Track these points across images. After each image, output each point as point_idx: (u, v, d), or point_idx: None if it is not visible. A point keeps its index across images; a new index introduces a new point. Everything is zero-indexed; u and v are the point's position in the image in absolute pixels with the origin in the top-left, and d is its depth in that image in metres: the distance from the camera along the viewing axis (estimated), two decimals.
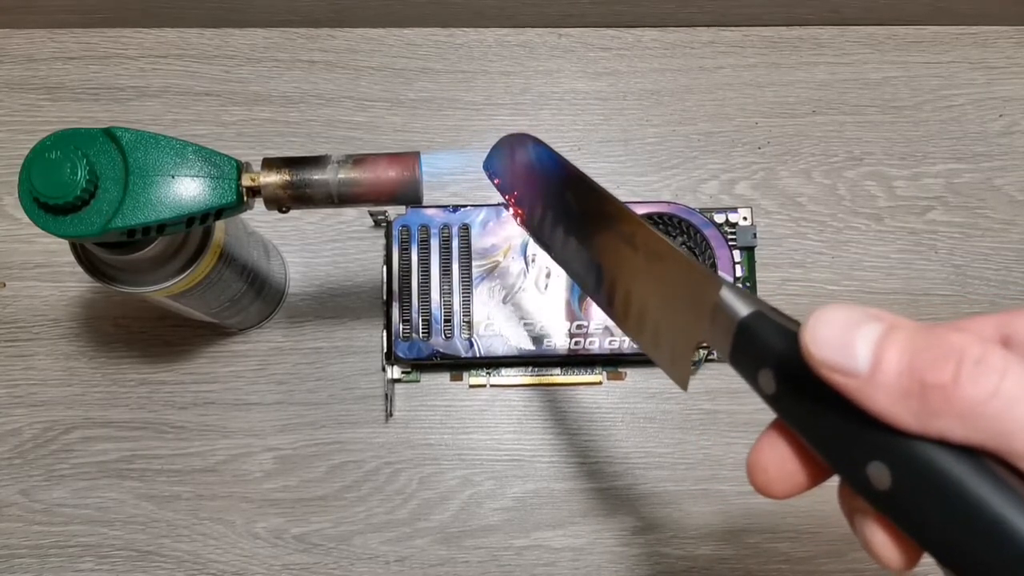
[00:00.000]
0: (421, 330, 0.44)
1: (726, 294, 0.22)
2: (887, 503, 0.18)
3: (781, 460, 0.21)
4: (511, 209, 0.34)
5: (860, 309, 0.18)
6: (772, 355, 0.20)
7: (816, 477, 0.21)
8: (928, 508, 0.17)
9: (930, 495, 0.17)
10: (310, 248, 0.48)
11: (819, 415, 0.19)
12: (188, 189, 0.29)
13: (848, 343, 0.17)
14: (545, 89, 0.50)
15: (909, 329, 0.17)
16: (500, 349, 0.43)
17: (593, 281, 0.29)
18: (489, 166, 0.35)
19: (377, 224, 0.47)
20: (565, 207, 0.31)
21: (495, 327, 0.44)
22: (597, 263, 0.28)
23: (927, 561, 0.18)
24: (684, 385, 0.25)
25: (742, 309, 0.21)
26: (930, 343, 0.17)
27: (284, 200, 0.30)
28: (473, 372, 0.46)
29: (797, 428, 0.20)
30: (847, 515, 0.21)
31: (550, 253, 0.31)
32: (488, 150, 0.34)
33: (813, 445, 0.20)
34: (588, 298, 0.44)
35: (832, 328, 0.18)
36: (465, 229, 0.45)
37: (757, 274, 0.47)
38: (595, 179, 0.48)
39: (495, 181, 0.35)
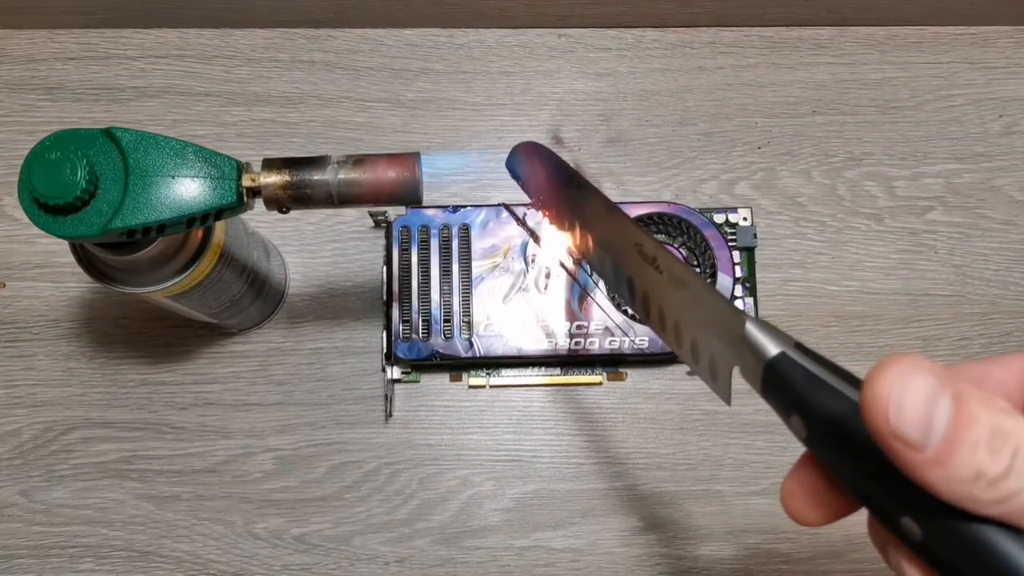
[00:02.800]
0: (421, 330, 0.44)
1: (751, 331, 0.21)
2: (920, 550, 0.18)
3: (815, 490, 0.21)
4: (540, 211, 0.34)
5: (931, 375, 0.17)
6: (803, 403, 0.20)
7: (850, 507, 0.21)
8: (959, 562, 0.17)
9: (960, 552, 0.17)
10: (310, 248, 0.48)
11: (853, 466, 0.19)
12: (188, 189, 0.28)
13: (927, 419, 0.16)
14: (545, 89, 0.50)
15: (976, 408, 0.17)
16: (500, 349, 0.43)
17: (626, 293, 0.29)
18: (510, 168, 0.35)
19: (377, 224, 0.47)
20: (587, 220, 0.31)
21: (495, 327, 0.44)
22: (627, 276, 0.28)
23: None
24: (727, 400, 0.24)
25: (770, 348, 0.21)
26: (993, 432, 0.17)
27: (284, 201, 0.30)
28: (473, 372, 0.46)
29: (830, 469, 0.20)
30: (878, 545, 0.21)
31: (582, 258, 0.31)
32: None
33: (846, 486, 0.20)
34: (588, 298, 0.44)
35: (917, 401, 0.17)
36: (465, 229, 0.45)
37: (757, 274, 0.47)
38: (597, 179, 0.48)
39: (519, 183, 0.35)
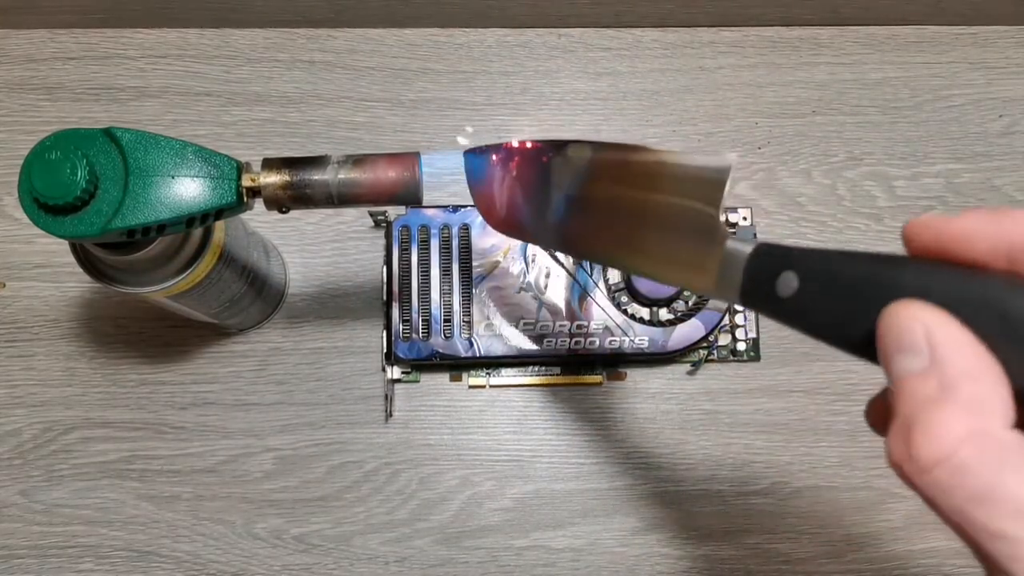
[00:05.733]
0: (421, 330, 0.44)
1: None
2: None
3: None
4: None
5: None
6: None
7: None
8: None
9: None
10: (310, 248, 0.48)
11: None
12: (188, 189, 0.29)
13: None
14: (545, 89, 0.50)
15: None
16: (500, 349, 0.43)
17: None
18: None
19: (377, 224, 0.47)
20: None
21: (495, 327, 0.44)
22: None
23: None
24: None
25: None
26: None
27: (284, 200, 0.30)
28: (473, 372, 0.46)
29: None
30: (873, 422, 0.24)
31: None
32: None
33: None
34: (588, 298, 0.44)
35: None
36: (465, 229, 0.45)
37: None
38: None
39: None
